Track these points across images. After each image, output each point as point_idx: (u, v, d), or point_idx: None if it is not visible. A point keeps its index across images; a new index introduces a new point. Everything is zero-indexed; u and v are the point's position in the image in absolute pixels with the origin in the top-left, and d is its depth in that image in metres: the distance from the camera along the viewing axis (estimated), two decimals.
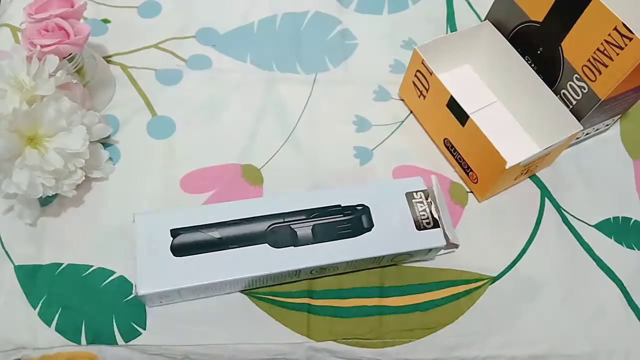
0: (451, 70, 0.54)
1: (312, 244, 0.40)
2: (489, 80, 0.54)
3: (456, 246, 0.42)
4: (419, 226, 0.42)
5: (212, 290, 0.41)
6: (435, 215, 0.42)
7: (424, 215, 0.42)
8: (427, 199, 0.43)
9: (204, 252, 0.39)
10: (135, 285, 0.37)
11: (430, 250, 0.42)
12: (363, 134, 0.51)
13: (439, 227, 0.42)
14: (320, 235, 0.40)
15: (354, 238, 0.40)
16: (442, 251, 0.43)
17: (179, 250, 0.39)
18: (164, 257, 0.38)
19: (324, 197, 0.42)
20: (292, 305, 0.42)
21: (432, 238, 0.41)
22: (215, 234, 0.40)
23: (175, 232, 0.39)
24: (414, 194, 0.43)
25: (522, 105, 0.51)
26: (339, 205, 0.42)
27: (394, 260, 0.43)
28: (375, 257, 0.41)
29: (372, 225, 0.41)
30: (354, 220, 0.41)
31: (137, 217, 0.40)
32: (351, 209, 0.42)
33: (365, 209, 0.42)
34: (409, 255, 0.42)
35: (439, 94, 0.47)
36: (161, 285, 0.38)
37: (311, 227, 0.41)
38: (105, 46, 0.55)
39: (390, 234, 0.41)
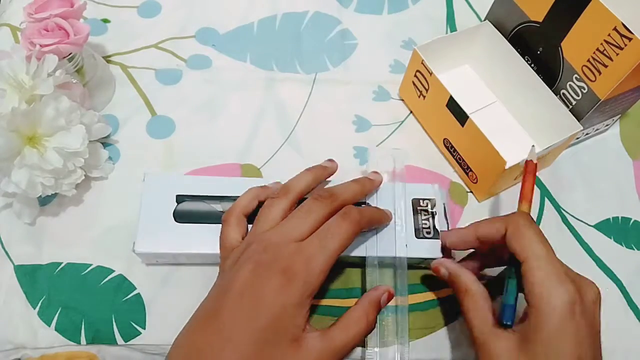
0: (450, 70, 0.53)
1: None
2: (489, 80, 0.54)
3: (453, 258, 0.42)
4: (419, 234, 0.42)
5: (207, 259, 0.41)
6: (437, 227, 0.42)
7: (425, 224, 0.42)
8: (432, 208, 0.43)
9: (204, 223, 0.40)
10: (134, 243, 0.39)
11: (425, 259, 0.42)
12: (363, 133, 0.51)
13: (438, 238, 0.41)
14: None
15: None
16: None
17: (181, 216, 0.40)
18: (165, 220, 0.40)
19: None
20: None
21: (429, 248, 0.41)
22: (219, 207, 0.41)
23: (180, 199, 0.41)
24: (420, 201, 0.43)
25: (522, 105, 0.51)
26: None
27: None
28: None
29: None
30: None
31: (147, 176, 0.41)
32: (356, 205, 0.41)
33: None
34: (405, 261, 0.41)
35: (439, 94, 0.47)
36: (158, 247, 0.39)
37: None
38: (105, 46, 0.55)
39: (387, 237, 0.41)
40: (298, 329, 0.32)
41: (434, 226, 0.42)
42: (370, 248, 0.40)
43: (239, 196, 0.40)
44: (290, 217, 0.36)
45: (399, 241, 0.41)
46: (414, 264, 0.43)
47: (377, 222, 0.40)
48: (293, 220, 0.35)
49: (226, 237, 0.37)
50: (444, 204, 0.44)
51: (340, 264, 0.43)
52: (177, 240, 0.40)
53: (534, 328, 0.32)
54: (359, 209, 0.37)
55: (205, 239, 0.39)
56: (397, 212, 0.42)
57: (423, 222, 0.42)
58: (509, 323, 0.33)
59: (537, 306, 0.32)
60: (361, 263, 0.41)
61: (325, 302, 0.42)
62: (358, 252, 0.40)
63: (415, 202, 0.43)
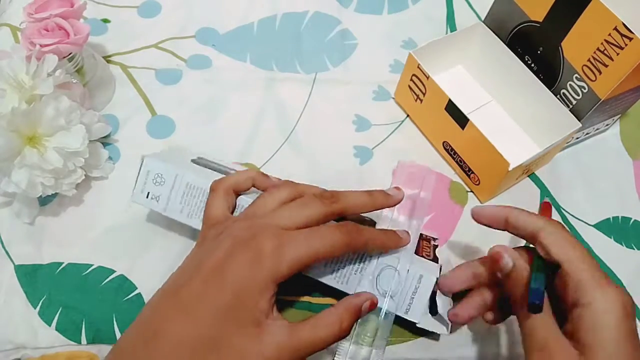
0: (444, 71, 0.53)
1: None
2: (483, 80, 0.54)
3: (447, 325, 0.38)
4: (419, 253, 0.40)
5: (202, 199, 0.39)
6: (437, 254, 0.41)
7: (426, 250, 0.40)
8: (435, 241, 0.42)
9: (218, 172, 0.41)
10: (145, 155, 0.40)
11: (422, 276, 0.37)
12: (363, 133, 0.51)
13: (437, 262, 0.39)
14: None
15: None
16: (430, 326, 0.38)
17: (197, 163, 0.42)
18: (182, 160, 0.41)
19: None
20: (293, 304, 0.42)
21: (427, 266, 0.38)
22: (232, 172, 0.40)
23: (196, 161, 0.43)
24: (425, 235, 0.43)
25: (518, 104, 0.51)
26: None
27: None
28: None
29: None
30: None
31: (171, 146, 0.45)
32: None
33: None
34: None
35: (437, 97, 0.47)
36: (165, 165, 0.39)
37: None
38: (105, 46, 0.55)
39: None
40: (261, 314, 0.30)
41: (435, 253, 0.40)
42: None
43: None
44: (287, 205, 0.34)
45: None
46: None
47: (379, 246, 0.36)
48: (285, 209, 0.34)
49: (210, 206, 0.36)
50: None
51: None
52: (185, 167, 0.39)
53: (592, 330, 0.30)
54: (360, 226, 0.34)
55: (210, 179, 0.38)
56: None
57: (425, 247, 0.41)
58: (538, 302, 0.30)
59: (593, 303, 0.30)
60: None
61: (325, 300, 0.42)
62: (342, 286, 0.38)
63: (421, 235, 0.42)
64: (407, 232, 0.38)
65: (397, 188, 0.39)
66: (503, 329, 0.42)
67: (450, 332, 0.38)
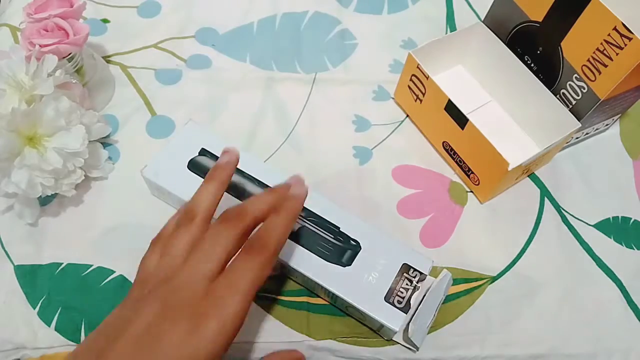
0: (444, 71, 0.53)
1: (290, 239, 0.40)
2: (482, 80, 0.54)
3: (416, 347, 0.40)
4: (389, 298, 0.38)
5: None
6: (412, 302, 0.38)
7: (402, 293, 0.39)
8: (418, 282, 0.39)
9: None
10: (145, 166, 0.43)
11: (383, 326, 0.38)
12: (362, 133, 0.51)
13: (406, 313, 0.38)
14: (301, 237, 0.40)
15: (325, 261, 0.39)
16: (402, 341, 0.41)
17: (193, 165, 0.43)
18: (180, 162, 0.43)
19: (333, 214, 0.41)
20: (291, 304, 0.42)
21: (391, 317, 0.38)
22: None
23: (203, 151, 0.44)
24: (411, 270, 0.40)
25: (517, 104, 0.51)
26: (338, 228, 0.41)
27: (347, 309, 0.41)
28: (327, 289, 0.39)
29: (349, 265, 0.39)
30: (338, 247, 0.40)
31: (191, 122, 0.45)
32: (345, 238, 0.40)
33: (357, 248, 0.40)
34: (361, 314, 0.39)
35: (436, 97, 0.46)
36: (160, 180, 0.42)
37: (300, 225, 0.40)
38: (104, 46, 0.55)
39: (357, 284, 0.39)
40: None
41: (409, 300, 0.38)
42: (335, 283, 0.39)
43: (250, 176, 0.43)
44: (198, 247, 0.30)
45: (369, 293, 0.39)
46: (359, 317, 0.41)
47: (281, 231, 0.32)
48: (200, 254, 0.30)
49: (146, 260, 0.33)
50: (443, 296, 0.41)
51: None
52: (178, 183, 0.42)
53: None
54: (265, 234, 0.31)
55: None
56: (378, 264, 0.40)
57: (400, 289, 0.39)
58: None
59: None
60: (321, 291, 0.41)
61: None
62: (317, 278, 0.39)
63: (405, 267, 0.40)
64: (300, 179, 0.34)
65: (297, 177, 0.34)
66: (500, 330, 0.43)
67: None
